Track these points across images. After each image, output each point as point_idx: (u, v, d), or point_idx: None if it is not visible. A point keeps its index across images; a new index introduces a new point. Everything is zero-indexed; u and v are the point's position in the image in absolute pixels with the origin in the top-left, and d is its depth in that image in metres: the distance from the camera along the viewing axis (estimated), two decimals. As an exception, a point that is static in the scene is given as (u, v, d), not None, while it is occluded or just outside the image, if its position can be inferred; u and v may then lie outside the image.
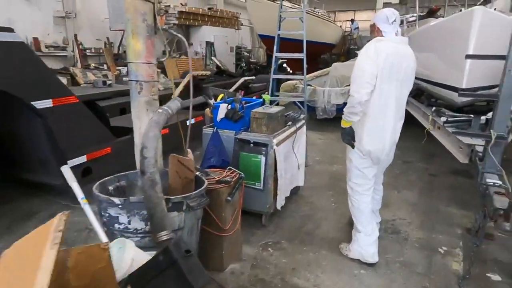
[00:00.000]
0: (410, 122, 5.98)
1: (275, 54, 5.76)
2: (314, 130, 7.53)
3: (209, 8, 15.49)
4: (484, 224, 2.56)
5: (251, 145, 3.27)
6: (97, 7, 11.35)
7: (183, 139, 2.58)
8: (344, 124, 2.80)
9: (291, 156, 3.64)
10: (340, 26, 21.14)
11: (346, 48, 21.32)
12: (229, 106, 3.38)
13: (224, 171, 2.81)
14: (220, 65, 11.64)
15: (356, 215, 2.94)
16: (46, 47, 10.50)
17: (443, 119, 4.32)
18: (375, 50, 2.58)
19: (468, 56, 3.75)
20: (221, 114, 3.35)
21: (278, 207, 3.50)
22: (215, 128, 3.36)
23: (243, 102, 3.56)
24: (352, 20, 21.26)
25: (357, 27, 20.79)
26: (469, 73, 3.97)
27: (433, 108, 5.06)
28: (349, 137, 2.81)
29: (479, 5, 5.79)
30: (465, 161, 3.65)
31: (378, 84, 2.61)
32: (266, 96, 3.90)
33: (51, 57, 10.40)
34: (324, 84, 9.59)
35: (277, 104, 4.98)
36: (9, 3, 9.53)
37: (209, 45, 15.12)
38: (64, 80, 6.30)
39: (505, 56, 2.66)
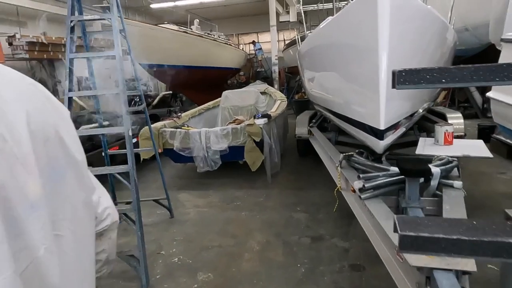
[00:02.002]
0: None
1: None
2: (194, 190, 5.39)
3: (79, 37, 12.75)
4: None
5: None
6: None
7: None
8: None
9: None
10: (243, 49, 19.90)
11: (254, 71, 20.11)
12: None
13: None
14: (82, 104, 9.00)
15: None
16: None
17: (358, 184, 2.47)
18: None
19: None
20: None
21: None
22: None
23: None
24: (254, 42, 20.20)
25: (260, 48, 19.73)
26: (388, 103, 2.20)
27: (341, 156, 3.28)
28: None
29: None
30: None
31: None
32: None
33: None
34: (216, 120, 7.64)
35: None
36: None
37: (83, 81, 12.34)
38: None
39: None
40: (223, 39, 15.27)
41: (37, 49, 10.57)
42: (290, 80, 17.56)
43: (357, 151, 3.33)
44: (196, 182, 5.76)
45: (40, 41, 10.55)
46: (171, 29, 11.18)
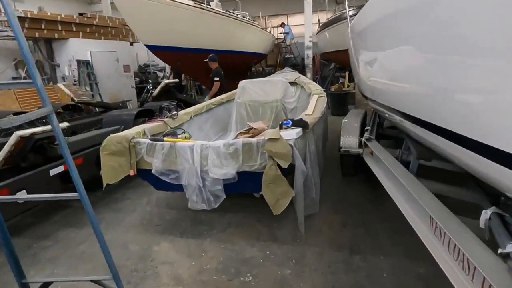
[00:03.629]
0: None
1: None
2: (182, 236, 3.49)
3: (80, 14, 11.08)
4: None
5: None
6: None
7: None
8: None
9: None
10: (270, 32, 17.66)
11: (282, 58, 17.89)
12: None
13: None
14: (70, 95, 7.26)
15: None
16: None
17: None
18: None
19: None
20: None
21: None
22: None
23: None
24: (283, 24, 17.88)
25: (289, 31, 17.42)
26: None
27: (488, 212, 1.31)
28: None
29: None
30: None
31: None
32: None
33: None
34: (230, 121, 5.70)
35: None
36: None
37: (84, 64, 10.70)
38: None
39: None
40: (247, 20, 13.14)
41: (26, 26, 8.95)
42: (324, 68, 15.25)
43: None
44: (189, 219, 3.84)
45: (29, 16, 8.91)
46: (185, 4, 9.22)
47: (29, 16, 8.90)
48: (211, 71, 7.46)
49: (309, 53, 11.73)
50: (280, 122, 3.45)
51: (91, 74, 10.78)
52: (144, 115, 5.49)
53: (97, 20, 11.20)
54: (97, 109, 8.26)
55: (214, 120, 5.77)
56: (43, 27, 9.41)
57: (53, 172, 3.60)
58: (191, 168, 3.21)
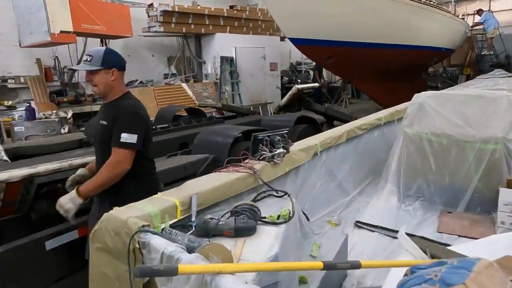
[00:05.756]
0: None
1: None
2: None
3: (230, 7, 10.24)
4: None
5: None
6: None
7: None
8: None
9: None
10: (463, 19, 13.22)
11: (475, 55, 13.26)
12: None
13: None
14: (192, 97, 6.14)
15: None
16: None
17: None
18: None
19: None
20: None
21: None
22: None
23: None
24: (480, 11, 13.05)
25: (489, 19, 12.50)
26: None
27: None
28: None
29: None
30: None
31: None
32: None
33: None
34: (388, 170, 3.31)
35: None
36: None
37: (227, 61, 9.84)
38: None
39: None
40: (432, 2, 9.69)
41: (174, 20, 8.54)
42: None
43: None
44: None
45: (177, 10, 8.44)
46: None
47: (176, 10, 8.44)
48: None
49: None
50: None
51: (233, 72, 9.86)
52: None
53: (247, 12, 10.18)
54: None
55: (358, 156, 3.43)
56: (190, 21, 8.88)
57: (51, 244, 2.10)
58: None
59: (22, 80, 7.46)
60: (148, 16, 8.51)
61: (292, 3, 6.53)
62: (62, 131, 6.37)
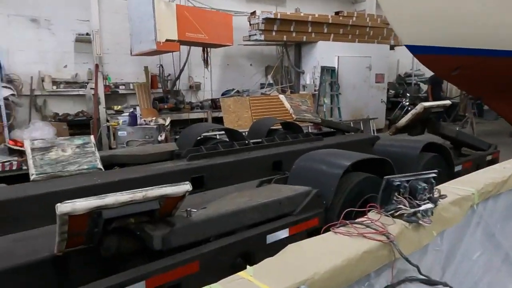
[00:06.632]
0: None
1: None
2: None
3: (336, 13, 9.44)
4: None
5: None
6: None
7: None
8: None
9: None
10: None
11: None
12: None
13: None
14: (289, 109, 5.52)
15: None
16: (56, 83, 7.53)
17: None
18: None
19: None
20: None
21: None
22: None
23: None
24: None
25: None
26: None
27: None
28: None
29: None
30: None
31: None
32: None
33: (63, 97, 7.44)
34: None
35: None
36: (7, 24, 7.06)
37: (328, 72, 9.05)
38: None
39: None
40: None
41: (275, 28, 8.14)
42: None
43: None
44: None
45: (279, 17, 8.03)
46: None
47: (279, 17, 8.04)
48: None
49: None
50: None
51: (334, 83, 9.04)
52: (362, 167, 2.84)
53: (354, 19, 9.27)
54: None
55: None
56: (292, 29, 8.39)
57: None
58: None
59: (131, 86, 7.88)
60: (250, 24, 8.29)
61: (415, 2, 5.49)
62: (159, 138, 6.44)
